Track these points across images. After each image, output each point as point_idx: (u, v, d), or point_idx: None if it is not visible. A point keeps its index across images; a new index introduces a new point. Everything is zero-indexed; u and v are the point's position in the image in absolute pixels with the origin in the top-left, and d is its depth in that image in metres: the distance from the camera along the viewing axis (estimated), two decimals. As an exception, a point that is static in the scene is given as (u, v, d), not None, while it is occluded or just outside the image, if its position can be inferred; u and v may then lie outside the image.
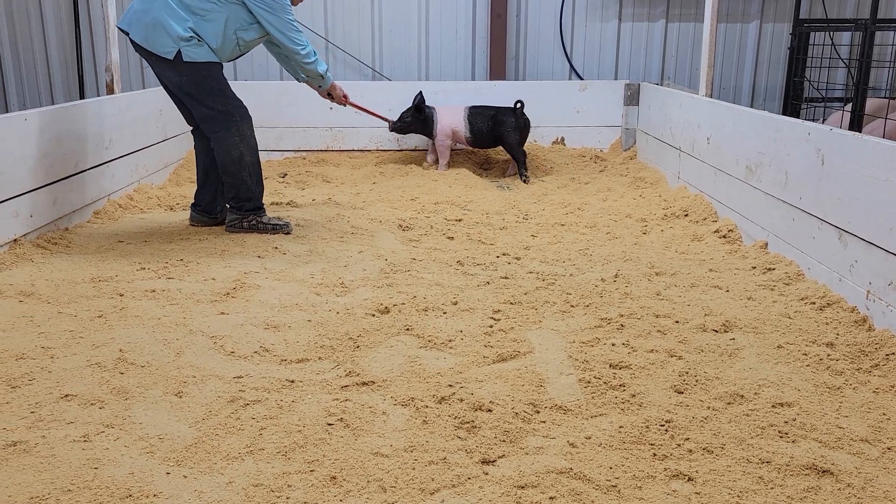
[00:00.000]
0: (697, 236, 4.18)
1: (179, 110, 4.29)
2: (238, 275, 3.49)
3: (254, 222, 4.21)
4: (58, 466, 1.94)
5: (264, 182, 5.67)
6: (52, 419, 2.19)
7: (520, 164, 5.94)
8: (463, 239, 4.22)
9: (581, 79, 6.90)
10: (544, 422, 2.19)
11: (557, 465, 1.95)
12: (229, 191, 4.19)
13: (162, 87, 4.20)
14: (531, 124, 6.05)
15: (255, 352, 2.68)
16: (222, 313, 3.03)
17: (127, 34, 3.96)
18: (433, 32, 6.83)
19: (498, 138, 5.99)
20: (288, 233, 4.21)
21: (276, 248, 3.96)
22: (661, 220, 4.57)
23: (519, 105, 5.97)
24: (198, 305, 3.11)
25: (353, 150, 6.49)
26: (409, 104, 6.33)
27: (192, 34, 3.85)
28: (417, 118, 5.91)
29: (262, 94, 6.19)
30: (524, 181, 5.83)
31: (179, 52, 3.84)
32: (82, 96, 6.56)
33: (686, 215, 4.59)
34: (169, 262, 3.66)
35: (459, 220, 4.62)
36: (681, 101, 5.23)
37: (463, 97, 6.36)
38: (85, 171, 4.30)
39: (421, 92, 5.96)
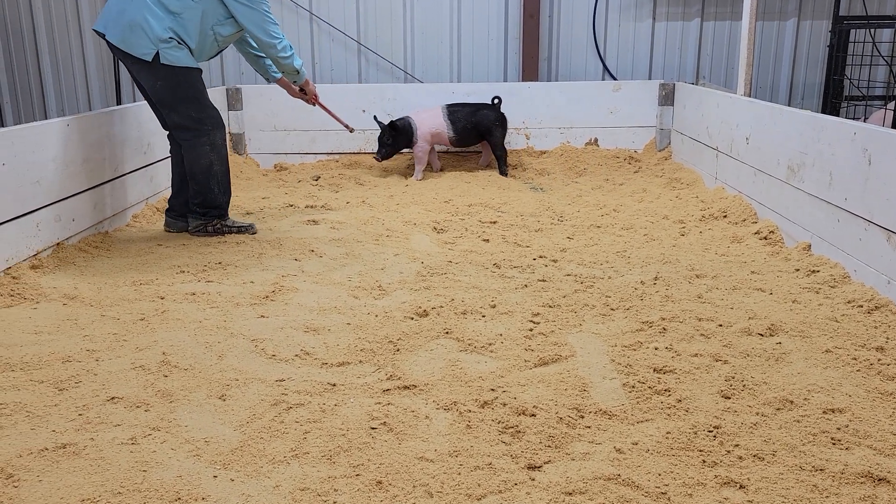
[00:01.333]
0: (737, 238, 4.11)
1: (156, 114, 4.22)
2: (276, 278, 3.51)
3: (218, 226, 4.18)
4: (107, 469, 1.96)
5: (297, 184, 5.73)
6: (99, 421, 2.22)
7: (502, 160, 5.99)
8: (498, 241, 4.20)
9: (614, 79, 6.84)
10: (589, 427, 2.17)
11: (605, 472, 1.92)
12: (195, 197, 4.15)
13: (139, 90, 4.13)
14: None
15: (296, 355, 2.69)
16: (262, 316, 3.04)
17: (103, 36, 3.87)
18: (465, 34, 6.82)
19: (482, 134, 5.99)
20: (253, 233, 4.20)
21: (312, 250, 3.98)
22: (700, 222, 4.51)
23: (497, 101, 5.99)
24: (237, 308, 3.13)
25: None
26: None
27: (173, 35, 3.78)
28: (395, 136, 5.85)
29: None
30: (503, 175, 5.90)
31: (158, 53, 3.77)
32: (118, 102, 6.65)
33: (725, 217, 4.52)
34: (207, 265, 3.69)
35: (494, 223, 4.60)
36: (718, 100, 5.16)
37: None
38: (124, 175, 4.35)
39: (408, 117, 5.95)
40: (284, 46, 4.07)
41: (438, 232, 4.43)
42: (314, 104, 4.81)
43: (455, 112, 5.94)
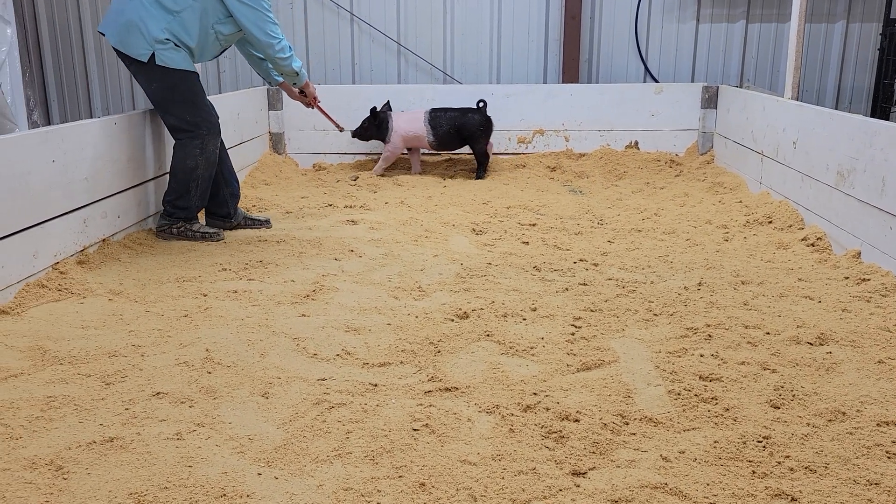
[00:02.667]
0: (783, 244, 4.03)
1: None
2: (316, 277, 3.53)
3: (182, 228, 4.07)
4: (154, 463, 1.98)
5: (336, 184, 5.76)
6: (145, 416, 2.24)
7: (482, 166, 5.97)
8: (538, 244, 4.17)
9: (656, 81, 6.76)
10: (634, 434, 2.13)
11: (651, 480, 1.89)
12: (170, 193, 4.05)
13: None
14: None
15: (338, 354, 2.69)
16: (303, 315, 3.05)
17: (104, 36, 3.87)
18: (505, 35, 6.79)
19: (465, 139, 5.97)
20: (219, 240, 4.08)
21: (352, 250, 3.99)
22: (744, 227, 4.43)
23: (482, 104, 5.96)
24: (279, 307, 3.15)
25: (424, 153, 6.49)
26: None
27: (170, 36, 3.74)
28: (372, 123, 5.91)
29: (334, 96, 6.26)
30: (480, 179, 5.90)
31: (154, 55, 3.72)
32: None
33: (770, 222, 4.43)
34: (249, 263, 3.72)
35: (533, 225, 4.57)
36: (764, 103, 5.06)
37: (535, 100, 6.32)
38: (167, 173, 4.40)
39: (388, 100, 6.04)
40: (283, 47, 3.98)
41: (477, 234, 4.42)
42: (312, 107, 4.77)
43: (437, 117, 5.95)
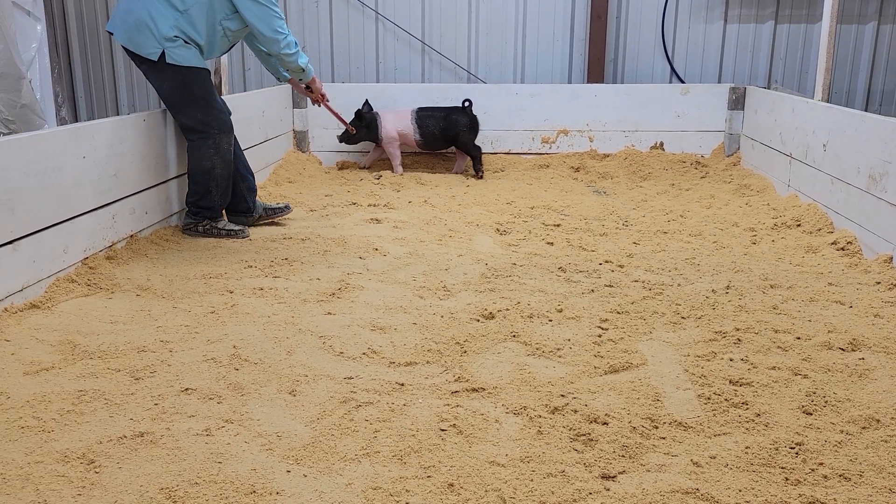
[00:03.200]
0: (812, 248, 3.98)
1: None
2: (342, 275, 3.53)
3: (207, 227, 4.08)
4: (184, 459, 1.99)
5: (359, 182, 5.76)
6: (174, 412, 2.25)
7: (476, 161, 5.97)
8: (563, 244, 4.15)
9: (682, 81, 6.70)
10: (664, 438, 2.11)
11: (683, 485, 1.87)
12: (192, 195, 4.07)
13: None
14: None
15: (364, 353, 2.69)
16: (329, 313, 3.06)
17: (112, 35, 3.84)
18: (530, 34, 6.77)
19: (452, 139, 5.99)
20: (245, 237, 4.10)
21: (376, 249, 3.99)
22: (772, 230, 4.38)
23: (467, 104, 5.97)
24: (305, 305, 3.16)
25: (447, 153, 6.49)
26: (504, 107, 6.33)
27: (178, 34, 3.73)
28: (359, 125, 5.91)
29: (359, 95, 6.27)
30: (478, 177, 5.93)
31: (164, 53, 3.71)
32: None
33: (798, 225, 4.38)
34: (274, 260, 3.73)
35: (558, 226, 4.55)
36: (793, 105, 5.00)
37: (559, 100, 6.29)
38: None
39: (367, 100, 6.04)
40: (289, 43, 3.94)
41: (501, 234, 4.40)
42: (319, 104, 4.75)
43: (424, 117, 5.97)
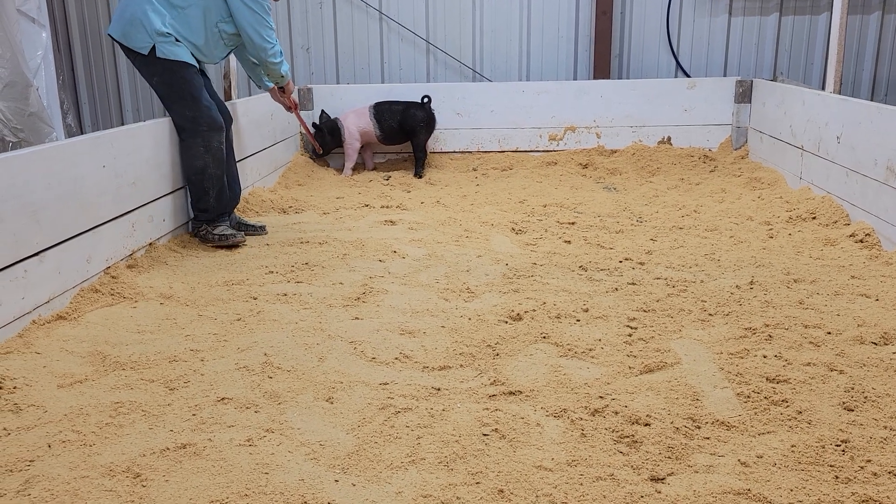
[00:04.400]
0: (830, 241, 3.98)
1: None
2: (364, 279, 3.52)
3: (204, 232, 4.02)
4: (230, 470, 1.98)
5: (369, 184, 5.75)
6: (213, 422, 2.24)
7: (420, 161, 6.01)
8: (580, 243, 4.15)
9: (688, 76, 6.70)
10: (708, 438, 2.11)
11: (733, 486, 1.86)
12: (191, 198, 4.05)
13: None
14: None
15: (396, 358, 2.68)
16: (356, 318, 3.05)
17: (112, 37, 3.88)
18: (534, 32, 6.76)
19: (408, 133, 6.00)
20: (237, 241, 3.99)
21: (394, 251, 3.98)
22: (787, 223, 4.38)
23: (426, 100, 5.99)
24: (331, 310, 3.15)
25: (454, 152, 6.49)
26: (511, 105, 6.33)
27: (172, 31, 3.74)
28: (322, 137, 5.93)
29: (366, 96, 6.26)
30: (418, 177, 5.92)
31: (154, 47, 3.72)
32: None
33: (814, 218, 4.38)
34: (295, 265, 3.72)
35: (573, 223, 4.55)
36: (804, 97, 5.00)
37: (566, 97, 6.29)
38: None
39: (322, 110, 6.11)
40: (275, 52, 4.01)
41: (517, 233, 4.40)
42: (291, 111, 4.73)
43: (381, 112, 5.99)
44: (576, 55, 6.78)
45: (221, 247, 3.99)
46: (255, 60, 4.34)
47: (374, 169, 6.28)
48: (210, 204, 4.01)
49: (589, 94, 6.30)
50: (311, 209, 5.00)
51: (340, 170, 6.20)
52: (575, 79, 6.80)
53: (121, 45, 3.85)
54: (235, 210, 4.43)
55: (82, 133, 6.86)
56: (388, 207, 5.03)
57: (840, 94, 4.75)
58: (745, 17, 6.61)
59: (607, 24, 6.54)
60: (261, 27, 3.89)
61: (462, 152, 6.48)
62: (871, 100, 6.60)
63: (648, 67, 6.77)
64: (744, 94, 6.14)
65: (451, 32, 6.78)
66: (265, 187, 5.39)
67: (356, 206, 5.07)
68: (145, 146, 3.65)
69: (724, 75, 6.71)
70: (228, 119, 4.24)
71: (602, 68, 6.61)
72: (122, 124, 7.06)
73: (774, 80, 6.45)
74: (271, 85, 4.57)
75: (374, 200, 5.20)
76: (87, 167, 3.16)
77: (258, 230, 4.32)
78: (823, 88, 6.59)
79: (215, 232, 4.01)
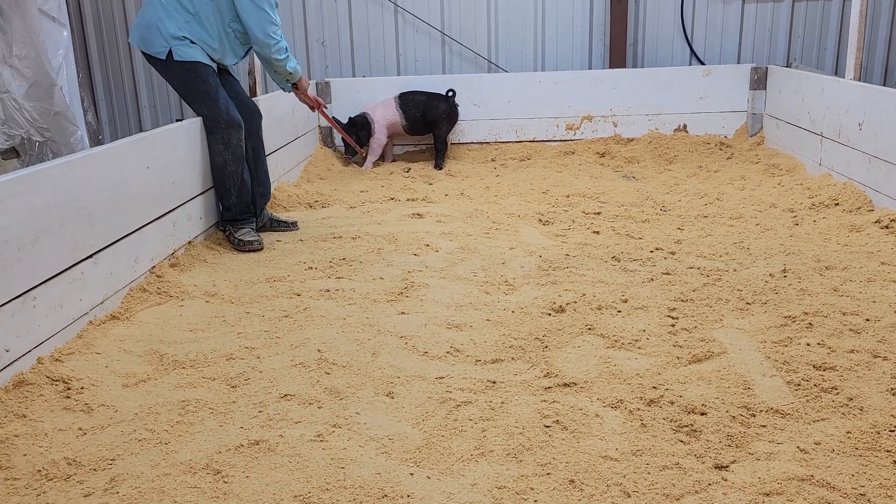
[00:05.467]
0: (856, 227, 4.04)
1: None
2: (403, 273, 3.58)
3: (228, 233, 4.04)
4: (306, 465, 2.04)
5: (390, 176, 5.78)
6: (279, 418, 2.31)
7: (440, 153, 6.04)
8: (609, 233, 4.21)
9: (702, 63, 6.74)
10: (764, 426, 2.18)
11: (796, 472, 1.93)
12: (216, 196, 4.10)
13: None
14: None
15: (447, 352, 2.75)
16: (402, 313, 3.11)
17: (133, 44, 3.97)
18: (549, 21, 6.78)
19: (430, 125, 6.05)
20: (259, 249, 3.97)
21: (427, 245, 4.03)
22: (810, 210, 4.44)
23: (451, 94, 6.06)
24: (376, 305, 3.21)
25: (472, 143, 6.53)
26: (528, 95, 6.36)
27: (187, 34, 3.79)
28: (356, 131, 5.92)
29: (384, 88, 6.30)
30: (438, 169, 5.96)
31: (171, 51, 3.78)
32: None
33: (837, 204, 4.44)
34: (332, 261, 3.78)
35: (598, 214, 4.60)
36: (823, 84, 5.05)
37: (582, 86, 6.33)
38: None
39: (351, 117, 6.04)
40: (280, 48, 3.96)
41: (545, 224, 4.45)
42: (315, 110, 4.71)
43: (406, 102, 6.03)
44: (590, 44, 6.81)
45: (242, 250, 4.00)
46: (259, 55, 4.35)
47: (393, 160, 6.31)
48: (231, 202, 4.04)
49: (605, 83, 6.34)
50: (337, 203, 5.05)
51: (360, 163, 6.24)
52: (590, 68, 6.83)
53: (142, 52, 3.92)
54: (266, 206, 4.47)
55: (100, 131, 6.89)
56: (413, 200, 5.08)
57: (845, 79, 4.80)
58: (759, 4, 6.64)
59: (623, 13, 6.56)
60: (264, 23, 3.87)
61: (480, 143, 6.53)
62: (884, 85, 6.65)
63: (663, 56, 6.80)
64: (759, 81, 6.19)
65: (466, 23, 6.81)
66: (289, 182, 5.44)
67: (381, 199, 5.12)
68: (182, 146, 3.70)
69: (738, 62, 6.75)
70: (257, 115, 4.28)
71: (617, 57, 6.65)
72: (139, 122, 7.10)
73: (788, 66, 6.49)
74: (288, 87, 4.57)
75: (398, 193, 5.25)
76: (133, 169, 3.21)
77: (290, 226, 4.37)
78: (836, 74, 6.64)
79: (237, 235, 4.02)
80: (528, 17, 6.78)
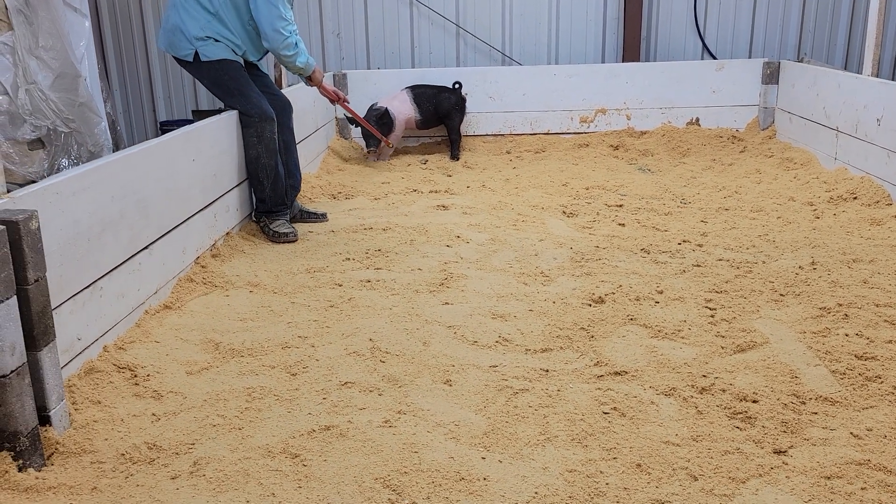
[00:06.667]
0: (876, 220, 4.14)
1: None
2: (440, 265, 3.65)
3: (263, 224, 4.11)
4: (381, 450, 2.12)
5: (408, 168, 5.84)
6: (344, 405, 2.38)
7: (456, 144, 6.15)
8: (634, 225, 4.29)
9: (714, 57, 6.82)
10: (816, 413, 2.27)
11: (853, 457, 2.03)
12: (251, 188, 4.17)
13: None
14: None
15: (497, 341, 2.82)
16: (447, 303, 3.18)
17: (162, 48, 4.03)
18: (563, 15, 6.84)
19: (442, 117, 6.13)
20: (294, 240, 4.03)
21: (458, 236, 4.11)
22: (829, 204, 4.54)
23: (458, 86, 6.15)
24: (419, 296, 3.28)
25: (487, 135, 6.60)
26: (542, 88, 6.44)
27: (210, 34, 3.84)
28: (384, 125, 5.85)
29: (400, 80, 6.34)
30: (455, 159, 6.06)
31: (196, 52, 3.85)
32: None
33: (855, 198, 4.54)
34: (368, 251, 3.84)
35: (620, 206, 4.68)
36: (839, 80, 5.14)
37: (597, 80, 6.40)
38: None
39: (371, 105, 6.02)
40: (289, 44, 3.95)
41: (569, 216, 4.53)
42: (334, 104, 4.73)
43: (419, 95, 6.09)
44: (604, 38, 6.87)
45: (277, 242, 4.06)
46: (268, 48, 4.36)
47: (389, 159, 6.26)
48: (266, 194, 4.09)
49: (619, 76, 6.41)
50: (361, 195, 5.10)
51: (375, 154, 6.25)
52: (603, 62, 6.90)
53: (173, 56, 3.97)
54: (297, 198, 4.52)
55: (115, 121, 6.91)
56: (436, 192, 5.14)
57: (853, 72, 4.89)
58: (771, -1, 6.73)
59: (637, 7, 6.63)
60: (273, 18, 3.86)
61: (494, 135, 6.59)
62: (893, 79, 6.76)
63: (675, 50, 6.88)
64: (771, 76, 6.27)
65: (481, 16, 6.86)
66: (311, 173, 5.49)
67: (404, 191, 5.18)
68: (222, 139, 3.75)
69: (749, 56, 6.84)
70: (288, 108, 4.33)
71: (631, 51, 6.72)
72: (154, 112, 7.12)
73: (800, 60, 6.58)
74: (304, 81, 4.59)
75: (419, 185, 5.31)
76: (182, 162, 3.26)
77: (320, 217, 4.43)
78: (846, 68, 6.74)
79: (272, 227, 4.08)
80: (543, 10, 6.83)
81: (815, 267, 3.48)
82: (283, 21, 3.91)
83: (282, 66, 5.06)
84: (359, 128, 5.87)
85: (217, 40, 3.88)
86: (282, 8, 3.90)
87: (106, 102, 6.24)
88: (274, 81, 5.09)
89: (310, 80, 4.42)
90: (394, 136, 6.03)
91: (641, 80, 6.42)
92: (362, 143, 6.53)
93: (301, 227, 4.26)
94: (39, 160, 5.07)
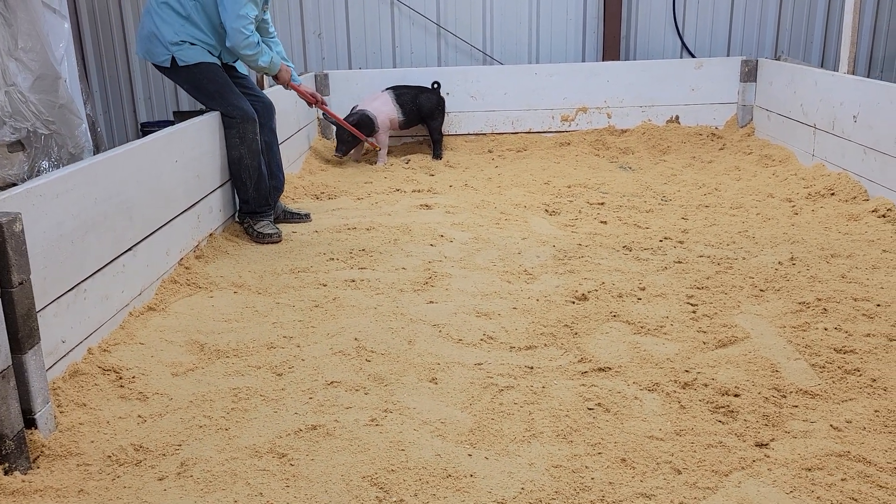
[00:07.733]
0: (854, 216, 4.21)
1: None
2: (423, 264, 3.66)
3: (247, 225, 4.09)
4: (367, 448, 2.13)
5: (391, 168, 5.85)
6: (330, 404, 2.39)
7: (438, 144, 6.18)
8: (616, 223, 4.33)
9: (692, 56, 6.89)
10: (797, 406, 2.31)
11: (833, 448, 2.07)
12: (234, 189, 4.15)
13: None
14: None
15: (481, 339, 2.84)
16: (431, 302, 3.20)
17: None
18: (543, 14, 6.88)
19: (424, 117, 6.16)
20: (277, 241, 4.03)
21: (441, 235, 4.12)
22: (807, 200, 4.60)
23: (436, 85, 6.19)
24: (403, 295, 3.29)
25: (469, 135, 6.62)
26: (524, 88, 6.47)
27: (185, 38, 3.83)
28: (363, 127, 5.82)
29: (382, 80, 6.35)
30: (437, 159, 6.07)
31: (173, 57, 3.85)
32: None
33: (832, 194, 4.61)
34: (352, 251, 3.85)
35: (602, 204, 4.72)
36: (816, 78, 5.21)
37: (578, 79, 6.44)
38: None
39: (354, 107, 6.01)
40: (249, 44, 3.89)
41: (552, 214, 4.56)
42: (312, 105, 4.78)
43: (401, 95, 6.10)
44: (584, 37, 6.92)
45: (262, 243, 4.05)
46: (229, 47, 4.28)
47: (358, 161, 6.22)
48: (249, 195, 4.08)
49: (599, 75, 6.46)
50: (344, 195, 5.11)
51: (359, 160, 6.22)
52: (583, 60, 6.94)
53: (151, 63, 3.97)
54: (280, 198, 4.52)
55: (96, 122, 6.85)
56: (419, 192, 5.15)
57: (827, 69, 4.96)
58: (749, -2, 6.80)
59: (617, 6, 6.68)
60: (235, 17, 3.82)
61: (476, 134, 6.62)
62: (868, 76, 6.86)
63: (654, 48, 6.94)
64: (749, 74, 6.35)
65: (462, 16, 6.88)
66: (293, 173, 5.48)
67: (387, 190, 5.19)
68: (204, 140, 3.74)
69: (728, 54, 6.91)
70: (270, 109, 4.32)
71: (612, 50, 6.77)
72: (135, 113, 7.08)
73: (777, 58, 6.66)
74: (298, 83, 4.56)
75: (402, 185, 5.32)
76: (165, 163, 3.25)
77: (303, 217, 4.43)
78: (822, 65, 6.83)
79: (256, 227, 4.07)
80: (523, 9, 6.86)
81: (794, 262, 3.54)
82: (245, 21, 3.87)
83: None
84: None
85: (193, 43, 3.87)
86: (243, 8, 3.83)
87: (86, 104, 6.19)
88: (255, 83, 5.09)
89: (276, 79, 4.40)
90: (380, 137, 6.02)
91: (622, 79, 6.47)
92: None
93: (285, 228, 4.26)
94: (20, 162, 5.03)
